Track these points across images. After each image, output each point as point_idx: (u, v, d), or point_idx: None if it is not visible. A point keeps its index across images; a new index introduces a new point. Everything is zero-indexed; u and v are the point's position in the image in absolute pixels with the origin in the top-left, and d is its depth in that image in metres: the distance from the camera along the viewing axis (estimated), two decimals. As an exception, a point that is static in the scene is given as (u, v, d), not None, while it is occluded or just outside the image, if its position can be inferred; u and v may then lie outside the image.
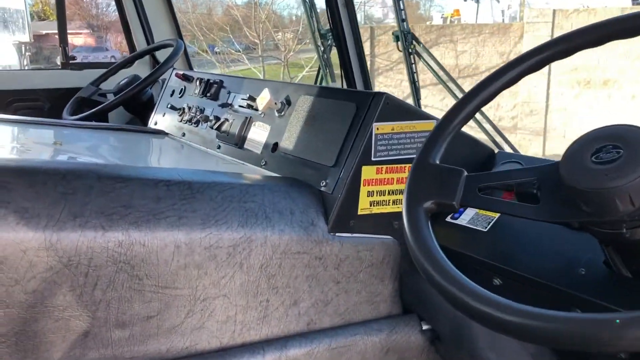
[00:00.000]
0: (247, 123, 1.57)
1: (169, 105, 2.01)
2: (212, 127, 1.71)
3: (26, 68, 3.88)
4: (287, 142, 1.39)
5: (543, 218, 0.83)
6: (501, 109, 11.88)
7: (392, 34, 3.35)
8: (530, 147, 11.57)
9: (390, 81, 12.03)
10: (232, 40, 13.69)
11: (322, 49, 2.87)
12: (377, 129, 1.20)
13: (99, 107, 2.27)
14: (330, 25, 2.21)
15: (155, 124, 2.05)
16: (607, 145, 0.78)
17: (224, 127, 1.64)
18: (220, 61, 14.62)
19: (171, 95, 2.06)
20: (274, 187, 1.20)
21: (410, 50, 3.21)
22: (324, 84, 2.97)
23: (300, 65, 13.29)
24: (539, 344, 0.78)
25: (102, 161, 1.44)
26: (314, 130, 1.32)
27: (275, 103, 1.45)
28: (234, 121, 1.61)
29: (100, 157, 1.54)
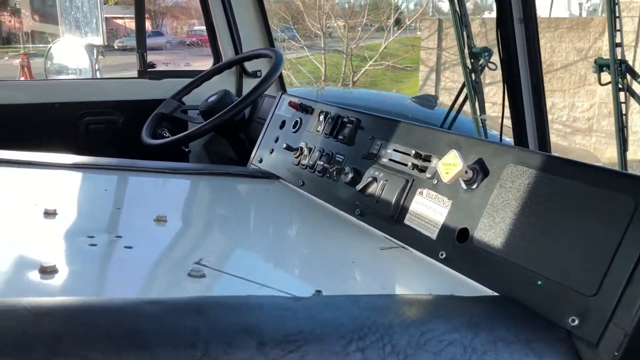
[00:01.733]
0: (408, 188, 1.14)
1: (278, 141, 1.60)
2: (348, 184, 1.28)
3: (98, 75, 3.58)
4: (490, 235, 0.95)
5: None
6: (576, 109, 11.04)
7: (595, 62, 2.57)
8: (606, 151, 10.72)
9: (457, 76, 11.36)
10: (292, 28, 13.22)
11: (471, 68, 2.35)
12: (682, 247, 0.74)
13: (187, 133, 1.88)
14: (498, 48, 1.66)
15: (260, 161, 1.64)
16: None
17: (370, 189, 1.21)
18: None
19: (280, 127, 1.64)
20: (504, 330, 0.76)
21: (621, 85, 2.38)
22: (457, 108, 2.47)
23: (362, 56, 12.66)
24: None
25: (235, 259, 1.04)
26: (546, 226, 0.88)
27: (466, 172, 1.01)
28: (387, 183, 1.18)
29: (229, 246, 1.13)
